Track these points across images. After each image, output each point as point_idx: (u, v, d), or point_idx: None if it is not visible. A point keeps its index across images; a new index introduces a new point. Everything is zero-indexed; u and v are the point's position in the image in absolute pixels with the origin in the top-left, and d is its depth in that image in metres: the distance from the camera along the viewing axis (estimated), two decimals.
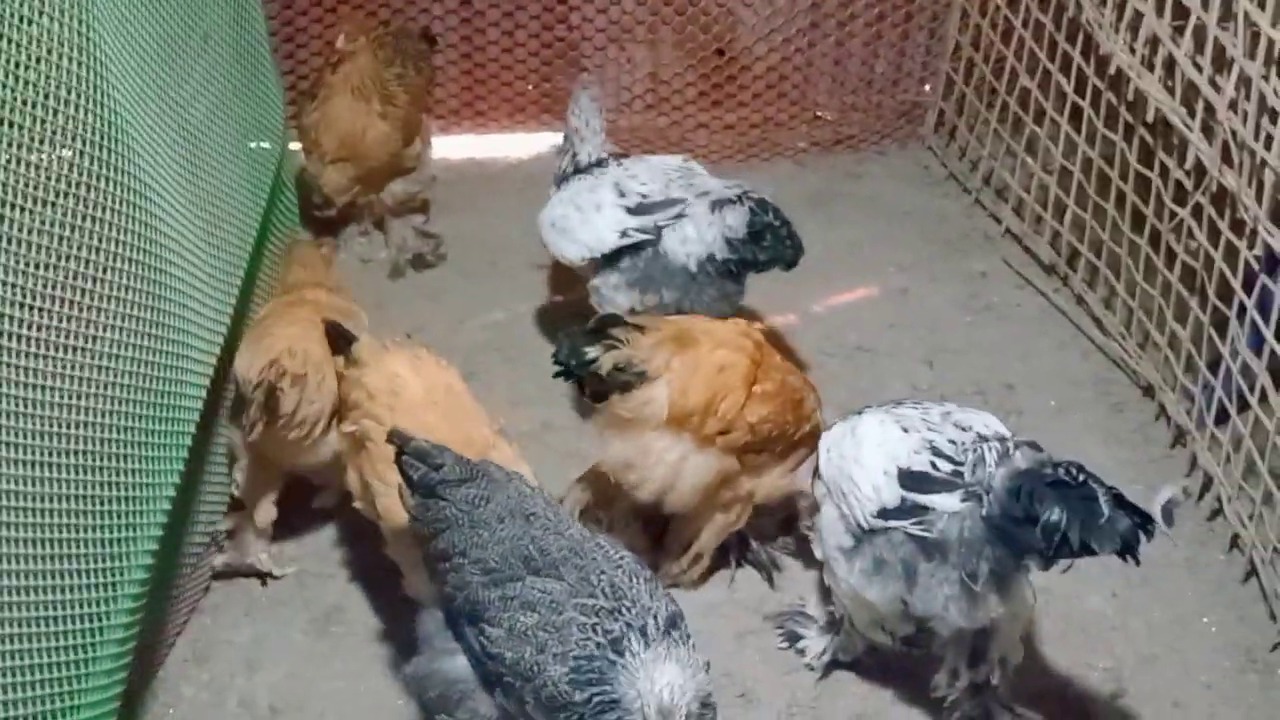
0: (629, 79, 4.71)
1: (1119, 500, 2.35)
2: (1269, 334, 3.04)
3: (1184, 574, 3.25)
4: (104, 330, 2.29)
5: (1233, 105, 3.09)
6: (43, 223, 2.09)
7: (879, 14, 4.68)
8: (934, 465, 2.57)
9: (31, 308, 2.07)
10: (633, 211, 3.45)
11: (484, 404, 2.90)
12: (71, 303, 2.19)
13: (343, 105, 3.95)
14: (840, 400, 3.33)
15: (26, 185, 2.04)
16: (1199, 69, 3.23)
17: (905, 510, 2.56)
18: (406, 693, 2.79)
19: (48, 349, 2.13)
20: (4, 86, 1.98)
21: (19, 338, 2.05)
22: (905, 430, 2.67)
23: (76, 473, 2.21)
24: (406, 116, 4.06)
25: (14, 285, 2.03)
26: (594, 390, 2.89)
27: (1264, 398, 3.12)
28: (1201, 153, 3.25)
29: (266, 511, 3.11)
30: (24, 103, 2.03)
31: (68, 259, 2.16)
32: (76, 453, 2.21)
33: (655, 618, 2.28)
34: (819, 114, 4.87)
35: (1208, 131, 3.24)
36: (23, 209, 2.04)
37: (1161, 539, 3.25)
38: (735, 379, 2.92)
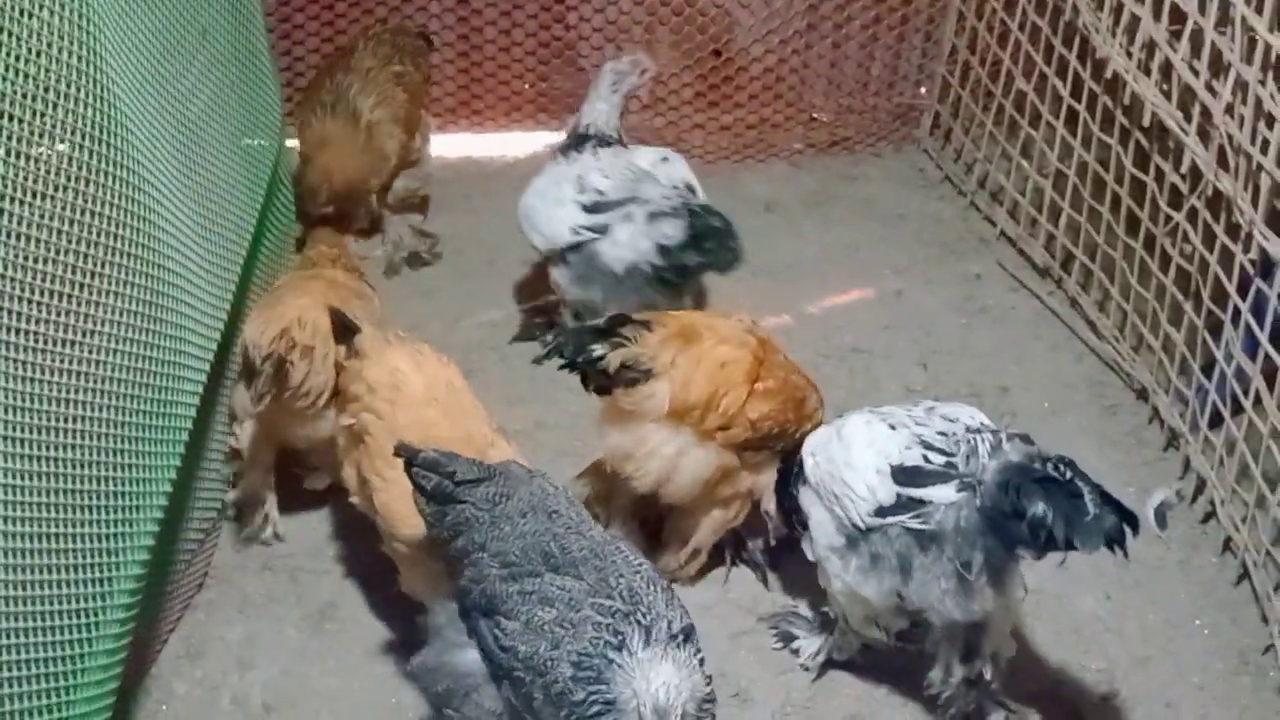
0: None
1: (1105, 498, 2.38)
2: (1263, 338, 3.05)
3: (1177, 576, 3.26)
4: (101, 325, 2.29)
5: (1229, 109, 3.10)
6: (42, 216, 2.09)
7: (875, 17, 4.69)
8: (926, 459, 2.59)
9: (29, 301, 2.07)
10: (587, 210, 3.55)
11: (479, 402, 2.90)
12: (69, 297, 2.18)
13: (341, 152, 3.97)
14: (836, 402, 3.33)
15: (25, 179, 2.04)
16: (1196, 73, 3.24)
17: (902, 506, 2.57)
18: (414, 685, 2.77)
19: (45, 343, 2.13)
20: (3, 80, 1.97)
21: (17, 331, 2.04)
22: (893, 427, 2.68)
23: (74, 467, 2.21)
24: (406, 114, 4.06)
25: (12, 279, 2.02)
26: (599, 385, 2.91)
27: (1258, 401, 3.13)
28: (1197, 157, 3.27)
29: (264, 478, 3.18)
30: (23, 96, 2.03)
31: (66, 253, 2.16)
32: (74, 447, 2.20)
33: (668, 624, 2.28)
34: (815, 116, 4.88)
35: (1204, 136, 3.26)
36: (22, 202, 2.03)
37: (1154, 541, 3.32)
38: (738, 375, 2.93)
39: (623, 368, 2.86)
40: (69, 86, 2.14)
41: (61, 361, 2.17)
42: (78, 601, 2.21)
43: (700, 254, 3.46)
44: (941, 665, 2.72)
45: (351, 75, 3.99)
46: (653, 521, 3.25)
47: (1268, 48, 2.92)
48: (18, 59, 2.00)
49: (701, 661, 2.28)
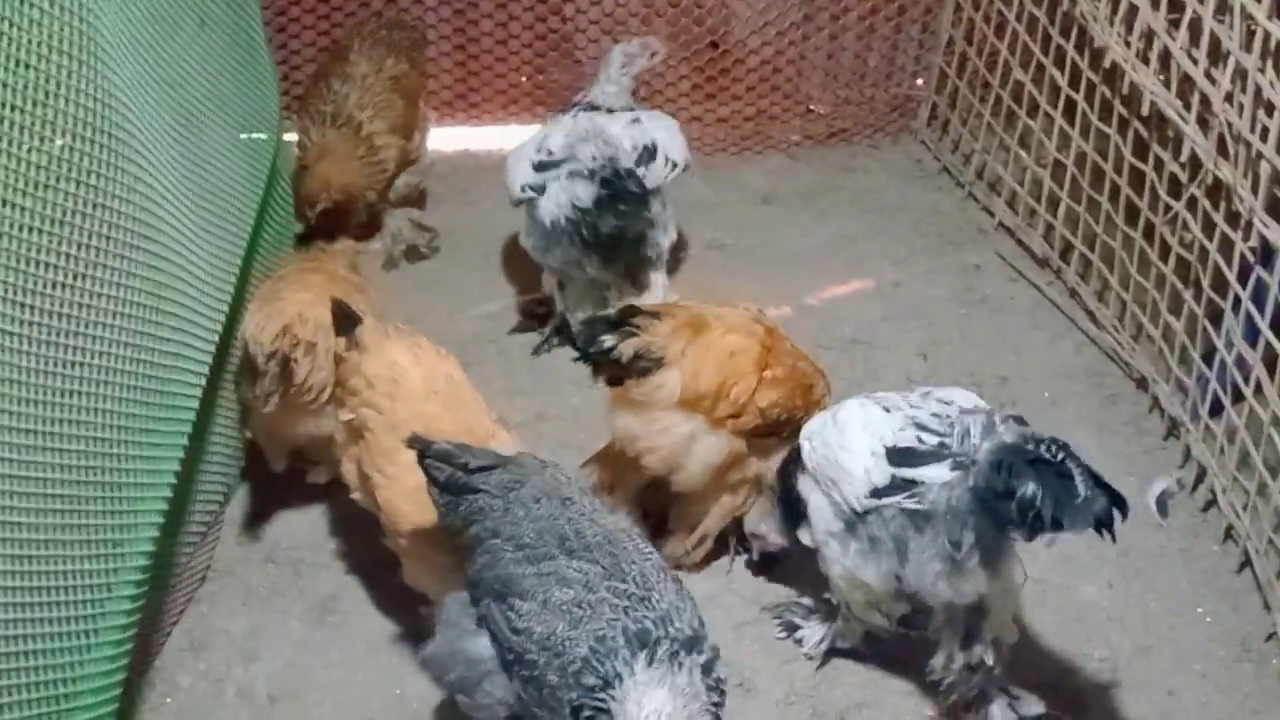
0: None
1: (1096, 480, 2.39)
2: (1264, 325, 3.06)
3: (1178, 565, 3.26)
4: (104, 319, 2.28)
5: (1229, 98, 3.10)
6: (43, 211, 2.08)
7: (872, 7, 4.68)
8: (919, 440, 2.61)
9: (32, 296, 2.06)
10: (535, 168, 3.66)
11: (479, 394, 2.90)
12: (72, 291, 2.17)
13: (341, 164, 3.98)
14: (836, 392, 3.30)
15: (27, 173, 2.03)
16: (1195, 62, 3.24)
17: (896, 486, 2.58)
18: (419, 675, 2.77)
19: (48, 337, 2.12)
20: (2, 72, 1.96)
21: (21, 323, 2.04)
22: (887, 410, 2.70)
23: (79, 459, 2.20)
24: (405, 119, 4.05)
25: (14, 273, 2.01)
26: (610, 376, 2.92)
27: (1259, 389, 3.14)
28: (1197, 145, 3.27)
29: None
30: (22, 90, 2.01)
31: (68, 245, 2.15)
32: (79, 439, 2.20)
33: (681, 616, 2.28)
34: (812, 107, 4.88)
35: (1203, 124, 3.26)
36: (24, 194, 2.02)
37: (1156, 530, 3.33)
38: (747, 364, 2.94)
39: (635, 357, 2.87)
40: (68, 79, 2.12)
41: (65, 355, 2.16)
42: (83, 593, 2.21)
43: (615, 217, 3.53)
44: (943, 652, 2.73)
45: (348, 85, 3.97)
46: (655, 515, 3.25)
47: (1267, 35, 2.93)
48: (16, 52, 1.99)
49: (709, 667, 2.27)
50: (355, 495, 2.88)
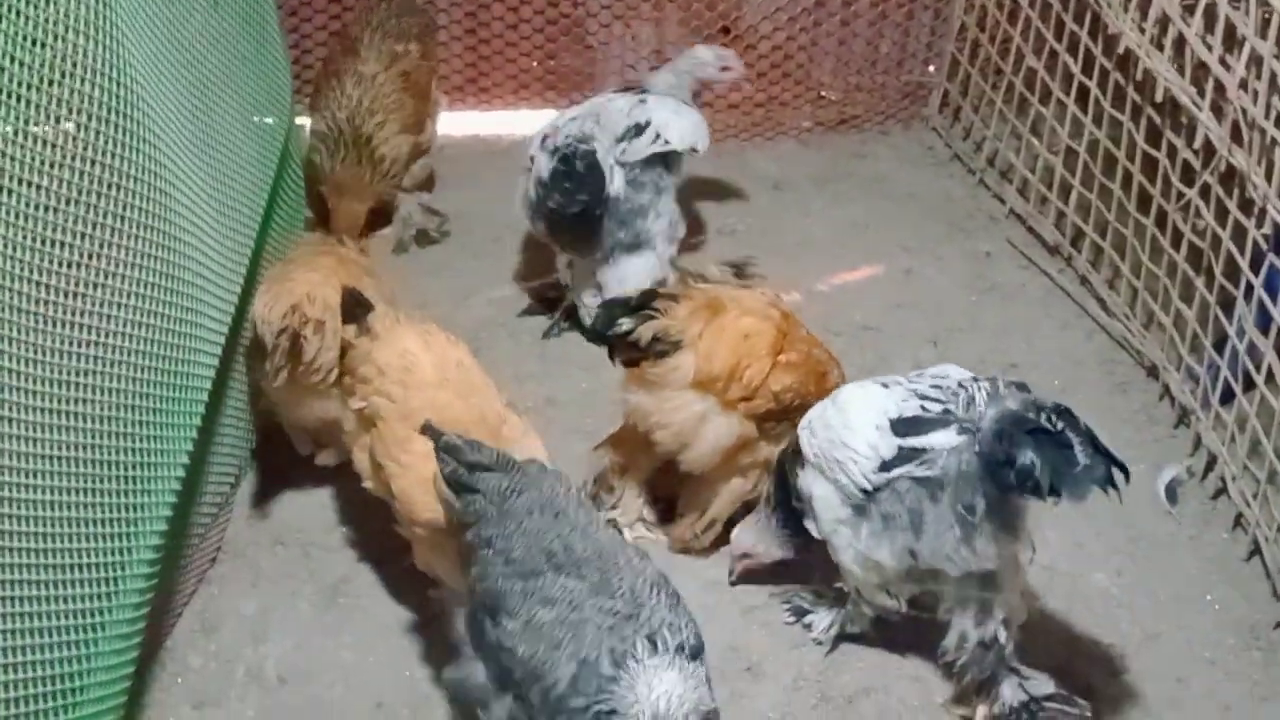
0: (633, 56, 4.69)
1: (1096, 447, 2.42)
2: (1276, 313, 3.05)
3: (1188, 552, 3.26)
4: (119, 300, 2.28)
5: (1243, 84, 3.09)
6: (60, 191, 2.08)
7: None
8: (923, 408, 2.63)
9: (48, 276, 2.07)
10: (540, 140, 3.72)
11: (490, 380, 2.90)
12: (87, 272, 2.18)
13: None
14: (847, 379, 3.32)
15: (44, 155, 2.03)
16: (1209, 48, 3.23)
17: (904, 456, 2.59)
18: (427, 660, 2.81)
19: (63, 318, 2.13)
20: (21, 54, 1.96)
21: (38, 301, 2.04)
22: (886, 386, 2.73)
23: (93, 437, 2.21)
24: (417, 117, 4.06)
25: (31, 253, 2.01)
26: (628, 358, 2.93)
27: (1270, 377, 3.13)
28: (1211, 132, 3.26)
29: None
30: (41, 71, 2.01)
31: (82, 228, 2.15)
32: (94, 417, 2.21)
33: (673, 631, 2.21)
34: (823, 94, 4.86)
35: (1217, 111, 3.25)
36: (38, 177, 2.02)
37: (1165, 517, 3.34)
38: (761, 346, 2.94)
39: (653, 340, 2.88)
40: (84, 58, 2.12)
41: (80, 334, 2.17)
42: (98, 571, 2.22)
43: (560, 193, 3.56)
44: (955, 631, 2.73)
45: (360, 89, 3.96)
46: (664, 500, 3.25)
47: None
48: (33, 30, 1.99)
49: (708, 680, 2.21)
50: (367, 484, 2.86)
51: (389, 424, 2.74)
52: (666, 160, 3.69)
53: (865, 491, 2.65)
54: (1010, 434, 2.46)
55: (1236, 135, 3.15)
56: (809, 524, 2.82)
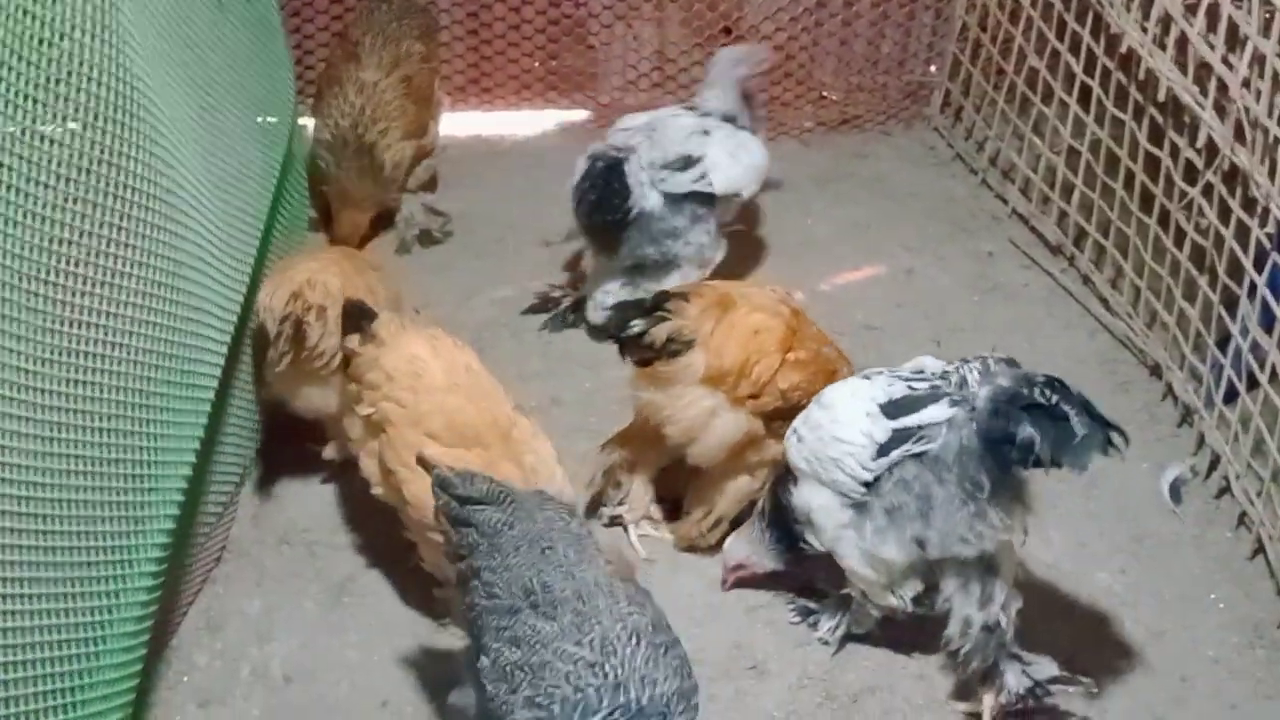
0: (635, 57, 4.71)
1: (1092, 416, 2.48)
2: None
3: (1191, 551, 3.26)
4: (124, 302, 2.27)
5: (1246, 83, 3.10)
6: (65, 191, 2.08)
7: None
8: (911, 388, 2.66)
9: (55, 277, 2.07)
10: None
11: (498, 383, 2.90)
12: (93, 274, 2.18)
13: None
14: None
15: (49, 157, 2.03)
16: (1212, 47, 3.24)
17: (900, 437, 2.62)
18: (433, 659, 2.82)
19: (70, 320, 2.13)
20: (26, 57, 1.96)
21: (48, 300, 2.05)
22: (868, 378, 2.76)
23: (102, 439, 2.21)
24: (419, 122, 4.07)
25: (41, 253, 2.02)
26: (640, 358, 2.95)
27: (1274, 376, 3.13)
28: (1214, 131, 3.26)
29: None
30: (46, 74, 2.01)
31: (90, 231, 2.15)
32: (100, 415, 2.20)
33: (643, 682, 2.09)
34: (825, 94, 4.87)
35: (1220, 110, 3.25)
36: (45, 177, 2.02)
37: (1169, 517, 3.34)
38: (770, 343, 2.95)
39: (667, 341, 2.90)
40: (90, 58, 2.12)
41: (87, 333, 2.16)
42: (104, 569, 2.22)
43: (580, 193, 3.61)
44: (958, 619, 2.73)
45: (363, 97, 3.96)
46: (670, 500, 3.26)
47: None
48: (40, 33, 1.99)
49: None
50: (376, 490, 2.84)
51: (399, 430, 2.72)
52: (709, 196, 3.68)
53: (866, 484, 2.65)
54: (1006, 411, 2.51)
55: (1239, 134, 3.16)
56: (810, 539, 2.82)
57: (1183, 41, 3.38)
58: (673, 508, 3.25)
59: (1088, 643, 3.02)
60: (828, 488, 2.73)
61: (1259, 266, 3.17)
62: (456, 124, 4.55)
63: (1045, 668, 2.78)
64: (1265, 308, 3.14)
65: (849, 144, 4.80)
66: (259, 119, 3.28)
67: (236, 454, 3.16)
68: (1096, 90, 3.87)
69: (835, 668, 2.94)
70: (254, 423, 3.27)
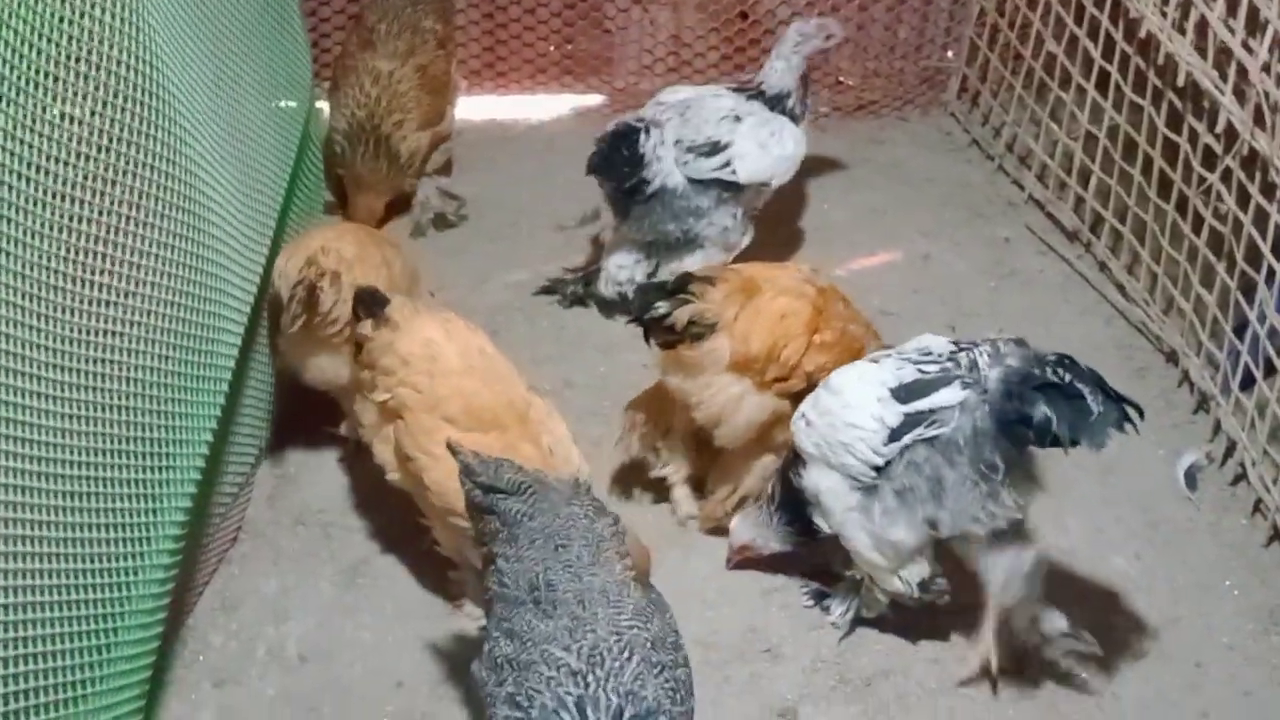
0: (651, 41, 4.69)
1: (1106, 393, 2.48)
2: None
3: (1207, 537, 3.26)
4: (145, 280, 2.30)
5: (1266, 68, 3.08)
6: (88, 169, 2.09)
7: None
8: (921, 371, 2.66)
9: (79, 252, 2.08)
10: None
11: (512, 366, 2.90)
12: (113, 255, 2.19)
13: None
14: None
15: (71, 139, 2.04)
16: (1232, 31, 3.22)
17: (912, 421, 2.61)
18: (447, 637, 2.82)
19: (92, 300, 2.14)
20: (49, 41, 1.97)
21: (66, 285, 2.06)
22: (876, 362, 2.75)
23: (120, 418, 2.22)
24: (434, 109, 4.07)
25: (61, 234, 2.03)
26: (664, 341, 2.94)
27: None
28: (1233, 116, 3.24)
29: None
30: (69, 57, 2.02)
31: (110, 210, 2.17)
32: (121, 395, 2.22)
33: (629, 699, 2.04)
34: (841, 79, 4.85)
35: (1240, 95, 3.23)
36: (67, 155, 2.03)
37: (1184, 503, 3.34)
38: (797, 326, 2.95)
39: (689, 323, 2.89)
40: (114, 38, 2.13)
41: (108, 311, 2.18)
42: (122, 546, 2.23)
43: (591, 157, 3.57)
44: (998, 574, 2.71)
45: (378, 87, 3.95)
46: (693, 479, 3.25)
47: None
48: (62, 11, 2.00)
49: None
50: (392, 477, 2.84)
51: (415, 415, 2.72)
52: (733, 184, 3.66)
53: (876, 469, 2.65)
54: (1020, 392, 2.50)
55: (1259, 119, 3.14)
56: (818, 521, 2.82)
57: (1203, 26, 3.36)
58: (696, 487, 3.24)
59: (1103, 628, 3.00)
60: (836, 471, 2.73)
61: (1277, 252, 3.15)
62: (472, 108, 4.55)
63: (1056, 620, 2.81)
64: None
65: (865, 130, 4.78)
66: (276, 100, 3.28)
67: (252, 435, 3.17)
68: (1115, 75, 3.85)
69: (849, 651, 2.94)
70: (270, 403, 3.28)
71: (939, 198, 4.44)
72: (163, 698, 2.75)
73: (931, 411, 2.60)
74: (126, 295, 2.23)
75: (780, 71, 3.82)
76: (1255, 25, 3.14)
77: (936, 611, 2.93)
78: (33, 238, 1.95)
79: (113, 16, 2.12)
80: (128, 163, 2.20)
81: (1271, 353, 3.23)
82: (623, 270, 3.76)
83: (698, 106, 3.69)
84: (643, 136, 3.54)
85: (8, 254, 1.89)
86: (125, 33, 2.16)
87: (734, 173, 3.63)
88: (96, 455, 2.16)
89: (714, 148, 3.63)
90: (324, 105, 4.08)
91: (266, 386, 3.23)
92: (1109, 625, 3.02)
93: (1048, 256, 4.18)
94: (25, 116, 1.92)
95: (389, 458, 2.84)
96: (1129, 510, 3.31)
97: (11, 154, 1.89)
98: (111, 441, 2.20)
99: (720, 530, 3.14)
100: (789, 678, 2.88)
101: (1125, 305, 3.93)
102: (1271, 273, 3.18)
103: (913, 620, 2.96)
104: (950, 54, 4.83)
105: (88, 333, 2.13)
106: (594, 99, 4.75)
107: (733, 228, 3.70)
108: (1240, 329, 3.39)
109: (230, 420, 2.95)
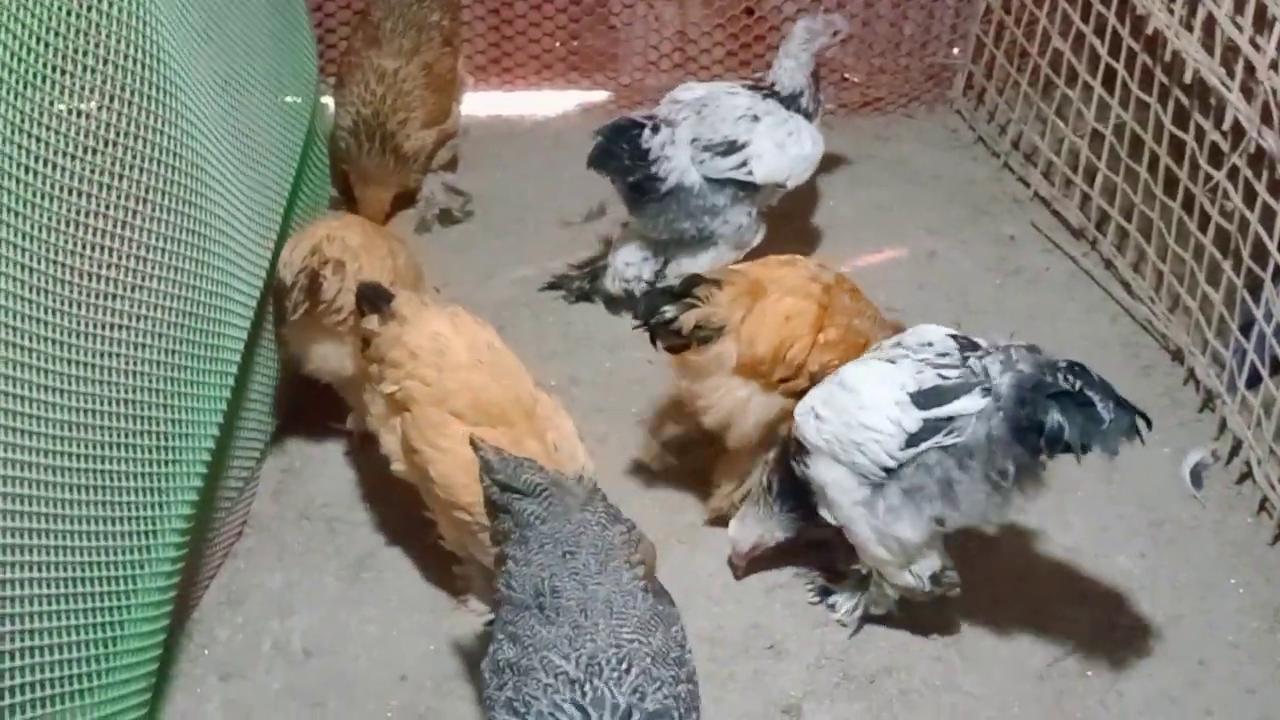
0: (657, 37, 4.69)
1: (1117, 401, 2.51)
2: None
3: (1211, 536, 3.25)
4: (151, 275, 2.30)
5: (1274, 65, 3.07)
6: (97, 165, 2.10)
7: None
8: (941, 376, 2.65)
9: (87, 247, 2.09)
10: None
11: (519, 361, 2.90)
12: (120, 249, 2.19)
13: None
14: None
15: (77, 134, 2.05)
16: (1239, 28, 3.21)
17: (931, 428, 2.61)
18: (450, 632, 2.82)
19: (99, 293, 2.15)
20: (56, 36, 1.97)
21: (74, 279, 2.06)
22: (892, 361, 2.73)
23: (127, 412, 2.23)
24: (440, 108, 4.07)
25: (69, 229, 2.04)
26: (671, 345, 2.94)
27: None
28: (1240, 113, 3.24)
29: None
30: (76, 51, 2.02)
31: (118, 205, 2.17)
32: (129, 388, 2.23)
33: (617, 712, 2.01)
34: (846, 76, 4.84)
35: (1247, 92, 3.23)
36: (76, 156, 2.04)
37: (1189, 501, 3.33)
38: (802, 326, 2.95)
39: (696, 328, 2.90)
40: (122, 33, 2.14)
41: (116, 305, 2.18)
42: (129, 539, 2.24)
43: (591, 148, 3.54)
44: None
45: (384, 85, 3.95)
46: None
47: None
48: (70, 12, 2.00)
49: None
50: (397, 468, 2.85)
51: (423, 408, 2.72)
52: (749, 183, 3.65)
53: (886, 470, 2.65)
54: (1033, 399, 2.51)
55: (1266, 116, 3.14)
56: (823, 512, 2.82)
57: (1210, 23, 3.35)
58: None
59: (1106, 625, 3.01)
60: (844, 466, 2.73)
61: None
62: (477, 104, 4.55)
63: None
64: None
65: (871, 126, 4.78)
66: (282, 96, 3.28)
67: (258, 429, 3.18)
68: (1121, 73, 3.84)
69: (853, 648, 2.94)
70: (275, 398, 3.28)
71: (944, 195, 4.43)
72: (169, 691, 2.75)
73: (951, 419, 2.60)
74: (133, 289, 2.24)
75: (791, 70, 3.82)
76: (1263, 23, 3.14)
77: (941, 608, 2.93)
78: (41, 231, 1.96)
79: (120, 11, 2.12)
80: (135, 157, 2.21)
81: (1278, 350, 3.22)
82: (630, 267, 3.76)
83: (714, 104, 3.67)
84: (647, 133, 3.53)
85: (16, 247, 1.90)
86: (132, 27, 2.16)
87: (750, 173, 3.62)
88: (103, 449, 2.16)
89: (731, 147, 3.62)
90: (329, 101, 4.08)
91: (272, 381, 3.24)
92: (1113, 623, 3.02)
93: (1053, 254, 4.18)
94: (33, 111, 1.93)
95: (395, 449, 2.85)
96: (1133, 508, 3.31)
97: (19, 148, 1.90)
98: (118, 435, 2.20)
99: (723, 521, 3.13)
100: (793, 674, 2.88)
101: (1131, 303, 3.93)
102: (1278, 270, 3.17)
103: (917, 617, 2.96)
104: (956, 51, 4.82)
105: (95, 326, 2.13)
106: (600, 95, 4.75)
107: (747, 226, 3.70)
108: (1246, 327, 3.38)
109: (237, 415, 2.95)
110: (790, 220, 4.27)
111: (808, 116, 3.81)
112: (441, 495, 2.72)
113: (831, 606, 3.00)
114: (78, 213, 2.06)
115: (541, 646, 2.11)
